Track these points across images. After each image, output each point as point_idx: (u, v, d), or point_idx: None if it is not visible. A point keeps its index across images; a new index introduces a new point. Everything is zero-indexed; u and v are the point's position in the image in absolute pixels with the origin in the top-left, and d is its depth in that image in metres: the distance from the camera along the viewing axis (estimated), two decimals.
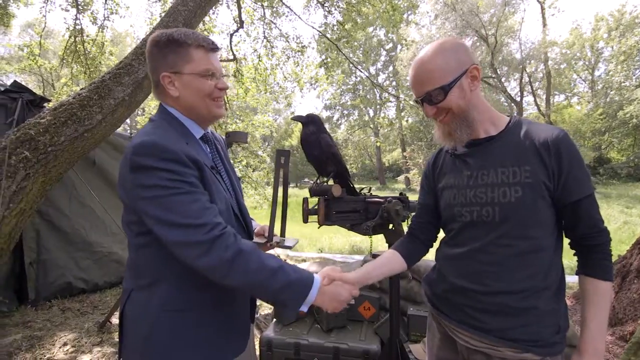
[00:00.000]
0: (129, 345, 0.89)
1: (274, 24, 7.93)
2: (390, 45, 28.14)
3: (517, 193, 0.89)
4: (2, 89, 3.09)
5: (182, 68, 0.90)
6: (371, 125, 31.78)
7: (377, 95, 27.15)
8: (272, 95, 9.29)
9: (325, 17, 7.49)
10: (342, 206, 1.43)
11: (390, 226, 1.62)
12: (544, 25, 20.94)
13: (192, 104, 0.93)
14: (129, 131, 5.09)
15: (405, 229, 1.42)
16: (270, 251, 1.15)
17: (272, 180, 1.15)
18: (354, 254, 6.11)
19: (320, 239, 7.81)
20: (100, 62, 7.41)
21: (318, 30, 7.11)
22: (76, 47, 6.85)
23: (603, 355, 0.89)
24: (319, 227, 1.43)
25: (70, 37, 6.68)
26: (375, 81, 10.88)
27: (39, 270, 3.28)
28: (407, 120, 24.43)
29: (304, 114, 1.48)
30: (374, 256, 1.98)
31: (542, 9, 19.39)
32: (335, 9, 7.53)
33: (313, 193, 1.43)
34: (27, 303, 3.17)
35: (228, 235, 0.81)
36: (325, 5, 7.45)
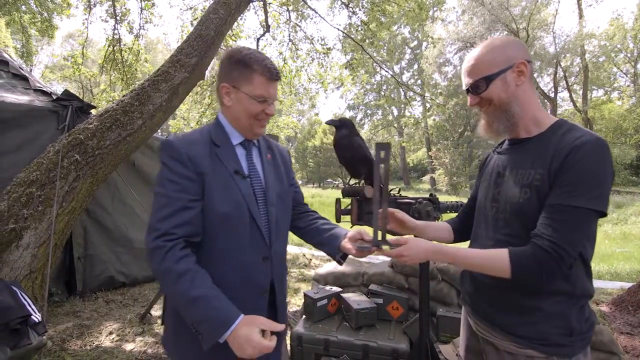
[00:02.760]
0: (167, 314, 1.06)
1: (299, 26, 8.05)
2: (415, 42, 27.66)
3: (526, 195, 0.90)
4: (54, 97, 3.37)
5: (241, 86, 0.99)
6: (395, 125, 31.38)
7: (402, 94, 26.76)
8: (297, 97, 9.42)
9: (350, 17, 7.53)
10: None
11: None
12: (581, 16, 19.84)
13: (238, 118, 1.03)
14: (160, 133, 5.37)
15: None
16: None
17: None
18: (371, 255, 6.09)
19: None
20: (136, 69, 7.82)
21: (343, 32, 7.14)
22: (114, 56, 7.28)
23: (417, 257, 0.93)
24: (351, 227, 1.48)
25: (109, 46, 7.11)
26: (399, 80, 10.73)
27: (86, 264, 3.54)
28: (434, 119, 23.91)
29: (334, 117, 1.53)
30: None
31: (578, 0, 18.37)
32: (360, 9, 7.55)
33: (345, 194, 1.48)
34: (76, 294, 3.43)
35: (170, 248, 0.86)
36: (349, 5, 7.48)
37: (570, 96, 21.56)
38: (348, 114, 32.70)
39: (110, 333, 2.73)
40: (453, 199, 4.55)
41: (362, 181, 1.55)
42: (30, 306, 1.96)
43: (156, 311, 3.17)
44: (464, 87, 1.04)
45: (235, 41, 8.14)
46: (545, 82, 22.76)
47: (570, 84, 21.43)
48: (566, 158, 0.84)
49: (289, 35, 8.04)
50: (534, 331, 0.90)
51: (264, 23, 7.47)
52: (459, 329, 2.14)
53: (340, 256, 1.11)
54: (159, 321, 2.98)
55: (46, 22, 10.95)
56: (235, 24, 7.64)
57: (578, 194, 0.81)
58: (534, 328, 0.90)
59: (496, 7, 19.49)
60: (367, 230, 1.08)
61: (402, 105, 28.04)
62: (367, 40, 7.16)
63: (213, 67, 7.00)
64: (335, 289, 2.53)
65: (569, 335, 0.88)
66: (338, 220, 1.49)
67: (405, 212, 1.58)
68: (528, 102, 0.97)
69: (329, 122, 1.48)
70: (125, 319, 2.99)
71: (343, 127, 1.46)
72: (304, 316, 2.40)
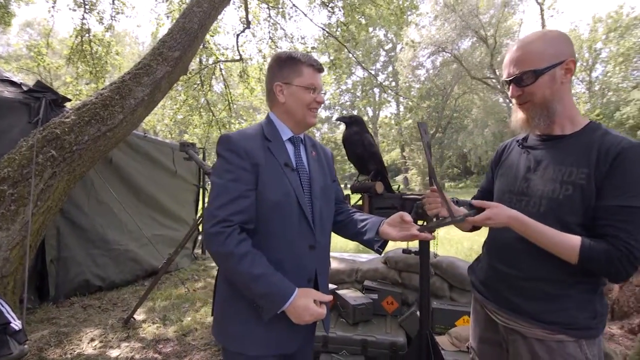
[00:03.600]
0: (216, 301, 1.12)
1: (279, 24, 7.98)
2: (390, 45, 28.24)
3: (567, 191, 0.92)
4: (25, 88, 3.13)
5: (292, 80, 1.08)
6: (370, 125, 31.89)
7: (377, 95, 27.25)
8: None
9: (329, 17, 7.56)
10: (382, 202, 1.50)
11: (421, 222, 1.70)
12: (543, 26, 21.12)
13: (293, 110, 1.10)
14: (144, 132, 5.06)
15: None
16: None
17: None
18: (360, 252, 6.16)
19: None
20: (106, 62, 7.42)
21: (326, 31, 7.16)
22: (82, 47, 6.87)
23: (499, 220, 0.92)
24: None
25: (77, 36, 6.69)
26: (377, 81, 10.93)
27: (59, 267, 3.32)
28: (408, 123, 24.54)
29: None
30: (405, 251, 2.05)
31: (541, 10, 19.55)
32: (339, 10, 7.60)
33: (354, 190, 1.50)
34: (48, 300, 3.21)
35: (229, 234, 0.93)
36: (328, 5, 7.51)
37: None
38: (324, 114, 32.84)
39: (92, 340, 2.57)
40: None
41: (370, 178, 1.57)
42: (9, 313, 1.81)
43: (140, 315, 3.03)
44: (506, 78, 1.01)
45: (212, 36, 7.95)
46: None
47: None
48: (615, 160, 0.87)
49: (269, 32, 7.95)
50: (564, 317, 0.93)
51: (244, 19, 7.35)
52: (453, 321, 2.23)
53: (379, 245, 1.11)
54: (144, 325, 2.85)
55: (2, 9, 10.11)
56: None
57: (627, 192, 0.85)
58: (565, 314, 0.93)
59: (466, 14, 20.33)
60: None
61: (377, 107, 28.59)
62: (350, 41, 7.22)
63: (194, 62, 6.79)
64: (331, 286, 2.54)
65: (594, 318, 0.93)
66: None
67: (410, 207, 1.63)
68: (568, 100, 0.98)
69: (340, 119, 1.49)
70: (106, 325, 2.83)
71: (354, 124, 1.47)
72: None
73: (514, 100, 1.03)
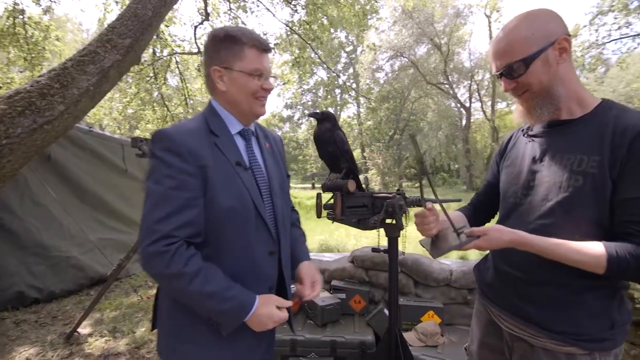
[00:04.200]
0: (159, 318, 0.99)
1: (239, 18, 7.74)
2: (351, 47, 28.74)
3: (577, 182, 0.80)
4: None
5: (232, 64, 0.92)
6: None
7: (339, 96, 27.63)
8: None
9: (292, 15, 7.47)
10: (354, 201, 1.47)
11: (390, 221, 1.70)
12: (490, 37, 22.81)
13: (236, 100, 0.96)
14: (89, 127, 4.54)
15: (405, 223, 1.52)
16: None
17: None
18: (325, 251, 6.17)
19: None
20: (44, 48, 6.70)
21: (289, 27, 7.06)
22: (15, 30, 6.13)
23: (495, 244, 0.85)
24: (332, 223, 1.46)
25: (8, 17, 5.95)
26: (337, 82, 11.06)
27: None
28: (368, 124, 25.16)
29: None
30: (375, 250, 2.05)
31: (489, 22, 21.09)
32: (303, 8, 7.54)
33: (326, 188, 1.45)
34: None
35: (174, 252, 0.80)
36: (291, 2, 7.42)
37: (482, 107, 24.65)
38: (285, 113, 32.59)
39: (27, 359, 2.27)
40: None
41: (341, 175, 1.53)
42: None
43: (85, 328, 2.74)
44: (495, 71, 0.91)
45: (168, 26, 7.50)
46: (462, 93, 25.63)
47: (481, 96, 24.49)
48: (633, 144, 0.75)
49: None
50: (574, 326, 0.83)
51: (203, 11, 7.02)
52: (418, 316, 2.27)
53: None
54: (90, 339, 2.58)
55: None
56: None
57: None
58: (575, 323, 0.83)
59: (423, 21, 21.32)
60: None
61: (338, 107, 28.97)
62: (315, 40, 7.20)
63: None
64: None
65: (611, 328, 0.82)
66: (319, 215, 1.45)
67: (380, 206, 1.62)
68: (571, 79, 0.86)
69: (311, 115, 1.43)
70: (44, 342, 2.51)
71: (325, 121, 1.42)
72: None
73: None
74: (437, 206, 1.09)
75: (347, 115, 29.94)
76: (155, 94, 8.01)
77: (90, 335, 2.66)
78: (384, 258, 2.56)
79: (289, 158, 34.35)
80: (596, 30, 11.38)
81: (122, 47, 3.37)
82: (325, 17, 7.52)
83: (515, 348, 0.95)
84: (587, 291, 0.83)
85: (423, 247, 1.16)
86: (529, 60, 0.84)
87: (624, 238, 0.77)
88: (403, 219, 1.66)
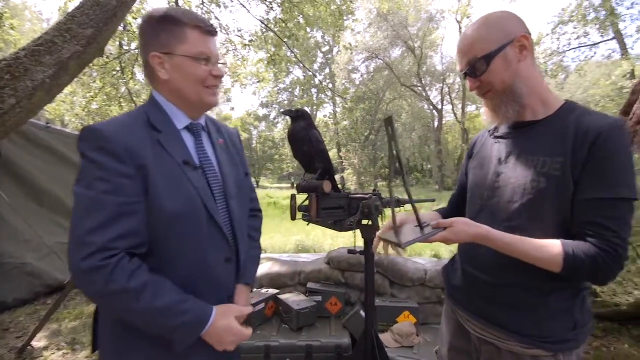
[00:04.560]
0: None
1: (213, 13, 7.52)
2: (327, 48, 28.83)
3: (541, 185, 0.81)
4: None
5: (174, 49, 0.82)
6: None
7: (315, 95, 27.64)
8: None
9: (268, 13, 7.36)
10: (330, 203, 1.42)
11: (367, 222, 1.68)
12: None
13: (181, 89, 0.85)
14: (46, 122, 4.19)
15: (381, 224, 1.49)
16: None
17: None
18: (302, 252, 6.11)
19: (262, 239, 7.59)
20: None
21: (265, 24, 6.94)
22: None
23: (462, 237, 0.84)
24: (307, 224, 1.41)
25: None
26: (313, 82, 11.04)
27: None
28: (344, 124, 25.35)
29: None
30: (351, 252, 2.02)
31: (460, 27, 21.83)
32: (279, 6, 7.44)
33: (301, 189, 1.40)
34: None
35: (115, 266, 0.70)
36: (266, 0, 7.30)
37: (453, 109, 25.48)
38: (261, 112, 32.19)
39: None
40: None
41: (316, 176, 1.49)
42: None
43: (40, 341, 2.52)
44: (460, 70, 0.94)
45: (136, 19, 7.15)
46: (434, 96, 26.38)
47: (452, 98, 25.33)
48: (594, 145, 0.76)
49: None
50: (539, 329, 0.84)
51: (174, 4, 6.75)
52: (394, 317, 2.27)
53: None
54: (46, 353, 2.37)
55: None
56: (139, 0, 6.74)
57: (619, 185, 0.75)
58: (540, 326, 0.84)
59: (397, 24, 21.74)
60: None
61: (314, 107, 28.98)
62: (291, 38, 7.12)
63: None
64: (272, 291, 2.41)
65: (574, 329, 0.84)
66: (293, 218, 1.39)
67: (356, 207, 1.59)
68: (534, 78, 0.88)
69: (286, 113, 1.37)
70: None
71: (300, 119, 1.37)
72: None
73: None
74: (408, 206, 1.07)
75: (323, 115, 30.04)
76: (123, 89, 7.62)
77: (45, 348, 2.46)
78: (360, 259, 2.54)
79: (265, 157, 33.94)
80: (558, 39, 12.11)
81: (83, 37, 3.14)
82: (301, 16, 7.47)
83: (483, 351, 0.95)
84: (552, 293, 0.84)
85: (385, 240, 1.12)
86: (489, 57, 0.86)
87: (581, 238, 0.78)
88: (379, 220, 1.64)
